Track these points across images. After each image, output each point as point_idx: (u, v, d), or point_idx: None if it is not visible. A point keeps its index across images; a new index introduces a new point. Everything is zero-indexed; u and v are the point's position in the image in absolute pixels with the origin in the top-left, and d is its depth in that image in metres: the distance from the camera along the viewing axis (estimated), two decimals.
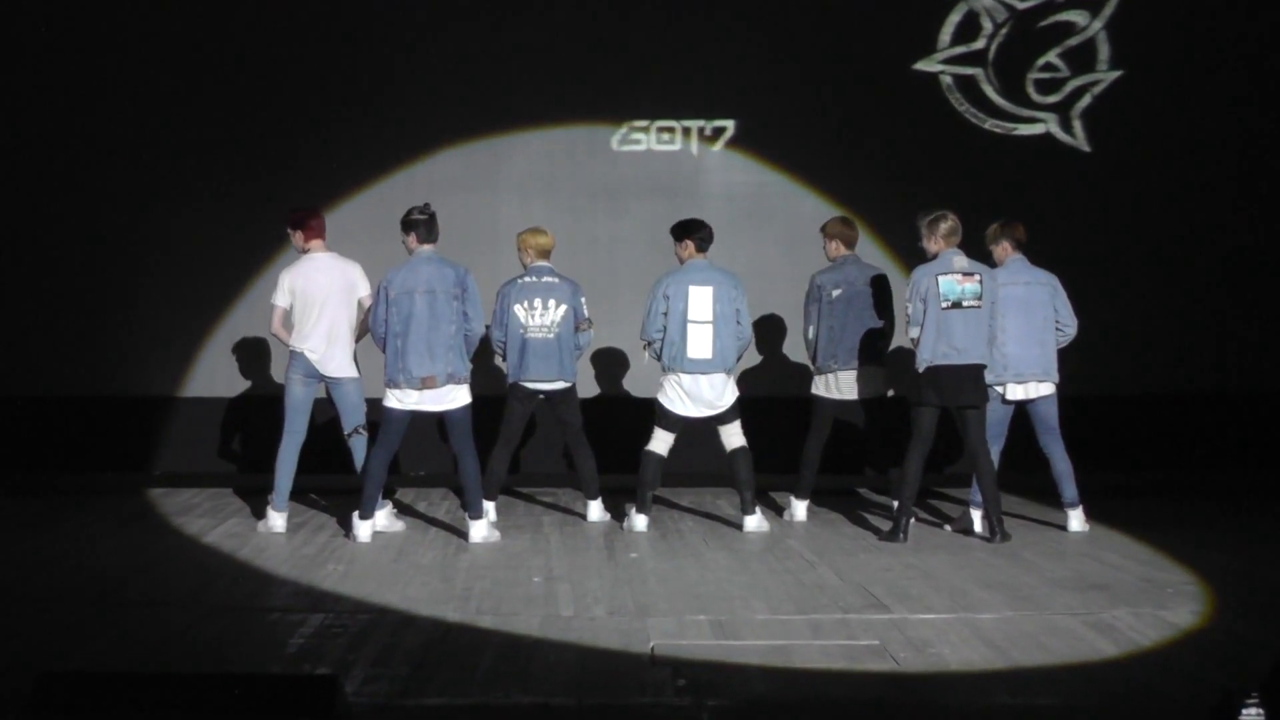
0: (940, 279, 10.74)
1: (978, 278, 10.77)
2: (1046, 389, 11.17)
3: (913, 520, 11.12)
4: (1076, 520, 11.25)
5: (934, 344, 10.73)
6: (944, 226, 10.84)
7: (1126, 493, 13.00)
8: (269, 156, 13.81)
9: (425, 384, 10.71)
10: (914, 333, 10.83)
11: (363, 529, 10.85)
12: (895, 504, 11.12)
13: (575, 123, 14.06)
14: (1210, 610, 8.82)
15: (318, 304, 11.14)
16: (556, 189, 14.03)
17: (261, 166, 13.80)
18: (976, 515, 11.16)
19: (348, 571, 9.86)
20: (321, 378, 11.20)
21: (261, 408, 13.26)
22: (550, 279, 11.57)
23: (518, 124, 14.05)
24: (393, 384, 10.76)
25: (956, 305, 10.71)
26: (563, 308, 11.50)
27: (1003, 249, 11.27)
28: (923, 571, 9.83)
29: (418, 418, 10.96)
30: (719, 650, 7.86)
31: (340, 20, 13.97)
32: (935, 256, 10.84)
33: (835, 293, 11.62)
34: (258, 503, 11.89)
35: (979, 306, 10.73)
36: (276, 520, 11.22)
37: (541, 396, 11.64)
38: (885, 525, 11.22)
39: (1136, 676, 7.46)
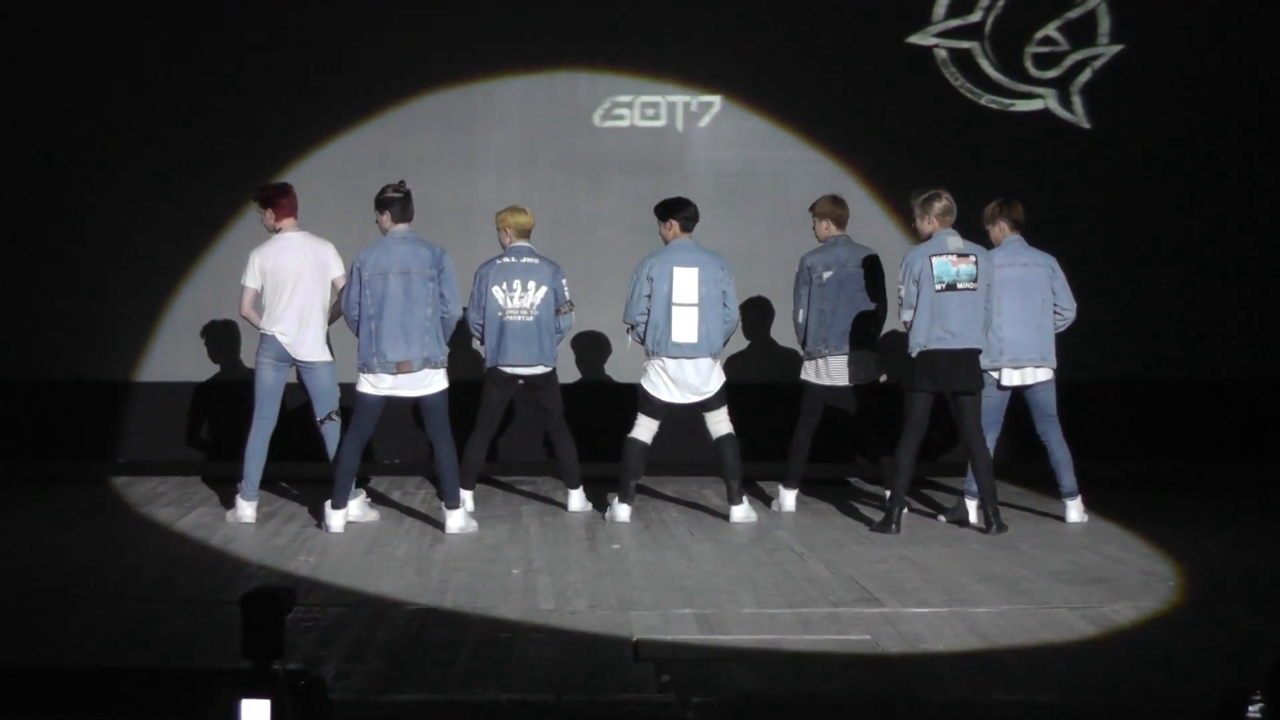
0: (934, 260, 10.73)
1: (973, 259, 10.77)
2: (1044, 374, 11.17)
3: (906, 511, 11.13)
4: (1075, 511, 11.27)
5: (928, 328, 10.73)
6: (938, 206, 10.83)
7: (1127, 483, 13.02)
8: (232, 131, 13.75)
9: (400, 368, 10.69)
10: (907, 316, 10.82)
11: (335, 519, 10.84)
12: (888, 494, 11.14)
13: (556, 97, 14.03)
14: (1213, 604, 8.84)
15: (289, 285, 11.11)
16: (536, 166, 14.01)
17: (224, 141, 13.74)
18: (972, 505, 11.17)
19: (319, 563, 9.85)
20: (293, 362, 11.17)
21: (230, 393, 13.21)
22: (530, 260, 11.56)
23: (495, 98, 14.01)
24: (366, 368, 10.74)
25: (951, 287, 10.71)
26: (543, 289, 11.48)
27: (1000, 229, 11.26)
28: (916, 564, 9.84)
29: (392, 403, 10.94)
30: (704, 645, 7.86)
31: None
32: (929, 237, 10.84)
33: (826, 274, 11.61)
34: (226, 492, 11.86)
35: (974, 289, 10.73)
36: (246, 510, 11.20)
37: (521, 381, 11.63)
38: (877, 516, 11.22)
39: (1137, 672, 7.48)
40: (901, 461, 10.83)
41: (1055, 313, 11.21)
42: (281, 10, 13.92)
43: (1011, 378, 11.13)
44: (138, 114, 13.79)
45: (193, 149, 13.75)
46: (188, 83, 13.81)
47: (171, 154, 13.76)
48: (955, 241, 10.78)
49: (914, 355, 10.80)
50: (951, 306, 10.71)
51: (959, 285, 10.72)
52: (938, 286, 10.71)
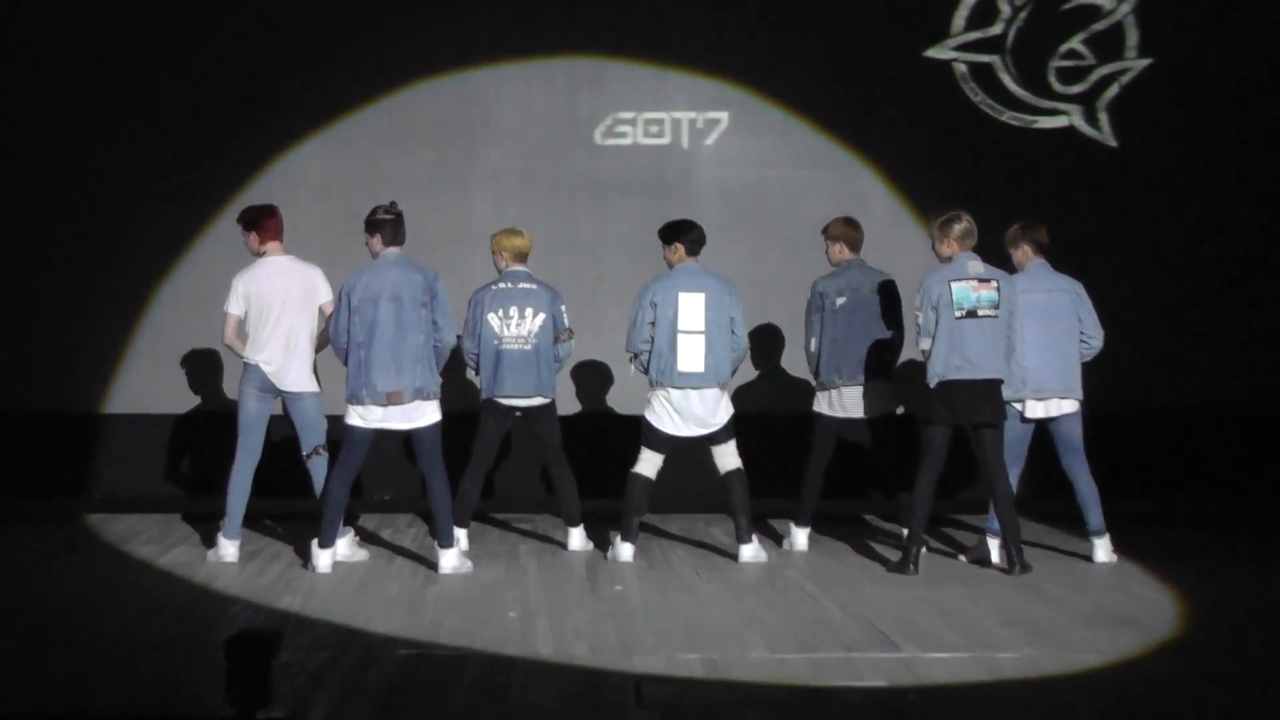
0: (953, 285, 10.73)
1: (994, 284, 10.76)
2: (1069, 406, 11.15)
3: (924, 550, 11.11)
4: (1103, 550, 11.24)
5: (946, 357, 10.72)
6: (957, 228, 10.83)
7: (1158, 520, 13.00)
8: (211, 136, 13.82)
9: (391, 400, 10.68)
10: (925, 344, 10.82)
11: (322, 558, 10.82)
12: (905, 532, 11.11)
13: (556, 113, 14.06)
14: (1247, 649, 8.83)
15: (275, 311, 11.11)
16: (534, 186, 14.02)
17: (198, 155, 13.80)
18: (994, 544, 11.15)
19: (306, 604, 9.85)
20: (278, 392, 11.17)
21: (212, 425, 13.23)
22: (527, 285, 11.56)
23: (492, 115, 14.04)
24: (355, 400, 10.73)
25: (971, 314, 10.71)
26: (541, 316, 11.48)
27: (1023, 253, 11.27)
28: (935, 606, 9.83)
29: (382, 437, 10.93)
30: (711, 691, 7.85)
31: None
32: (948, 261, 10.83)
33: (839, 300, 11.61)
34: (207, 529, 11.86)
35: (995, 316, 10.72)
36: (228, 548, 11.19)
37: (518, 413, 11.63)
38: (894, 555, 11.23)
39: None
40: (919, 498, 10.82)
41: (1081, 341, 11.19)
42: (269, 20, 13.94)
43: (1035, 410, 11.11)
44: (106, 116, 13.82)
45: (162, 165, 13.78)
46: (155, 92, 13.83)
47: (139, 171, 13.79)
48: (976, 266, 10.77)
49: (932, 386, 10.79)
50: (971, 334, 10.70)
51: (979, 312, 10.71)
52: (957, 313, 10.70)
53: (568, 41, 14.00)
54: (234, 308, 11.19)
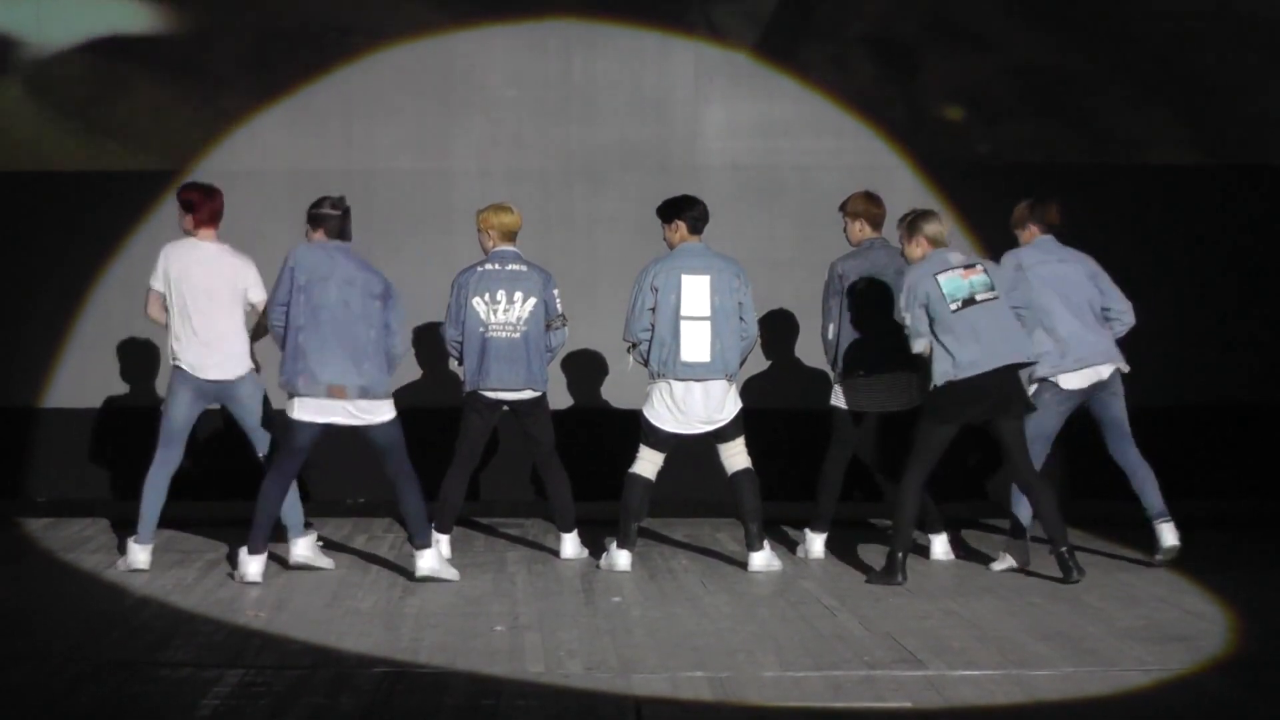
0: (940, 279, 10.68)
1: (980, 268, 10.78)
2: (1107, 370, 11.13)
3: (908, 555, 11.01)
4: (1170, 534, 11.20)
5: (955, 353, 10.63)
6: (930, 229, 10.83)
7: (1213, 524, 13.00)
8: (168, 112, 13.80)
9: (332, 393, 10.51)
10: (920, 346, 10.76)
11: (251, 565, 10.70)
12: (931, 538, 11.11)
13: (547, 79, 14.04)
14: None
15: (198, 306, 10.90)
16: (524, 158, 14.00)
17: (162, 125, 13.79)
18: (1017, 548, 11.15)
19: (271, 618, 9.83)
20: (216, 395, 11.05)
21: None
22: (516, 266, 11.54)
23: (477, 79, 14.01)
24: (291, 389, 10.58)
25: (970, 302, 10.67)
26: (531, 301, 11.47)
27: (1029, 234, 11.38)
28: (965, 619, 9.83)
29: (347, 433, 10.84)
30: (719, 714, 7.84)
31: None
32: (923, 260, 10.79)
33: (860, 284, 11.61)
34: (166, 536, 11.82)
35: (995, 298, 10.69)
36: (139, 555, 11.06)
37: (506, 408, 11.61)
38: (921, 563, 11.23)
39: None
40: (906, 496, 10.78)
41: (1111, 319, 11.23)
42: None
43: (1075, 380, 11.08)
44: (38, 98, 13.83)
45: (107, 132, 13.76)
46: (98, 54, 13.82)
47: (81, 140, 13.78)
48: (955, 255, 10.82)
49: (940, 384, 10.70)
50: (980, 321, 10.64)
51: (978, 298, 10.68)
52: (953, 306, 10.64)
53: (560, 1, 13.97)
54: (156, 283, 10.99)
